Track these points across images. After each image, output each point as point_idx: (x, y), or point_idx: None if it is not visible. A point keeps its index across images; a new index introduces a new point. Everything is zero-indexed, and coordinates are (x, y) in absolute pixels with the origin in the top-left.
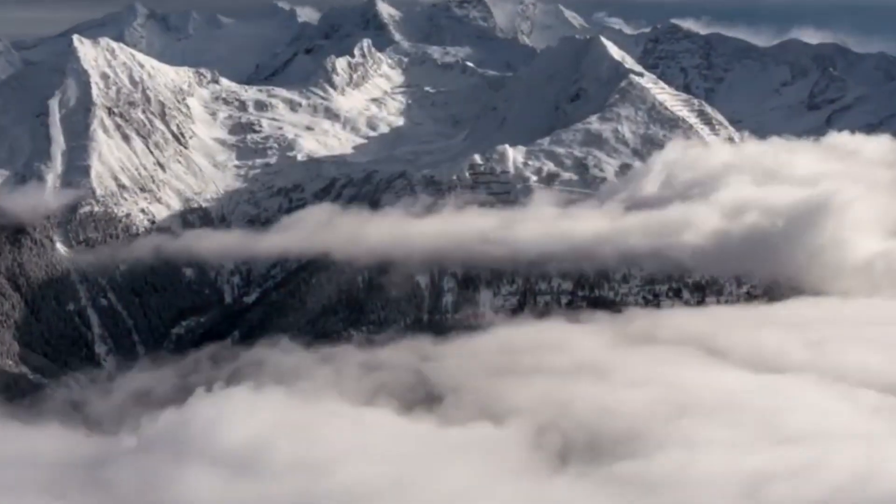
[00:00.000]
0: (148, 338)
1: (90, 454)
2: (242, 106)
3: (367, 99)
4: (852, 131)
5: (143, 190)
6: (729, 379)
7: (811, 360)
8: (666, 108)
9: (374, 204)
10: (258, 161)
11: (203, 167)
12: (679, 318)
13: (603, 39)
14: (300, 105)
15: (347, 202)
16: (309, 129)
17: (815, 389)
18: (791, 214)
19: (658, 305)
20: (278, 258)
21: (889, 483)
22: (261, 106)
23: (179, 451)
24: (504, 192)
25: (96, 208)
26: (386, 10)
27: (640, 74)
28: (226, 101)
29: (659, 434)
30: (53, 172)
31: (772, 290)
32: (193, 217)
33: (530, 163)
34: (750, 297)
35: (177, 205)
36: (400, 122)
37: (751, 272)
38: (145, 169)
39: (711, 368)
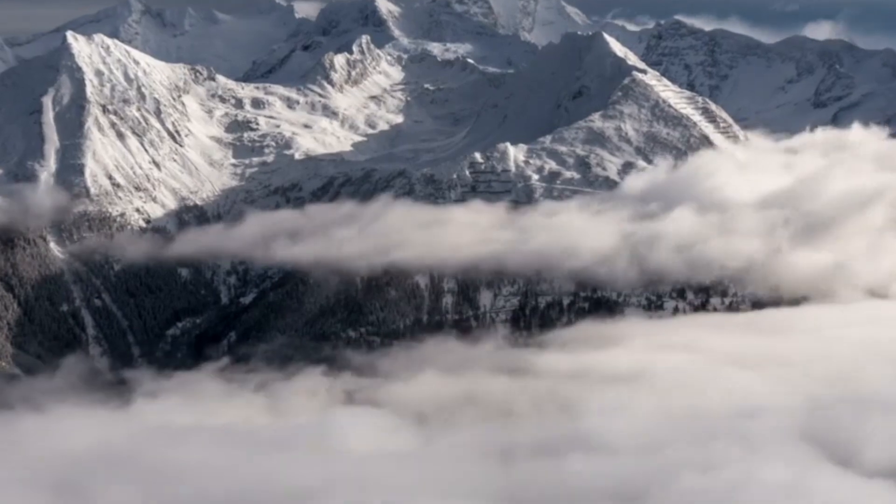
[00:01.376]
0: (143, 339)
1: None
2: (239, 103)
3: (365, 96)
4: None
5: (137, 189)
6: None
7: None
8: (670, 106)
9: (373, 203)
10: (255, 159)
11: (199, 166)
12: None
13: (605, 36)
14: (298, 102)
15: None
16: (307, 126)
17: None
18: (794, 219)
19: (661, 307)
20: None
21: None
22: (257, 103)
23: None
24: (505, 190)
25: (90, 207)
26: (385, 6)
27: (644, 71)
28: (222, 99)
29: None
30: (47, 171)
31: (776, 295)
32: (189, 216)
33: (532, 161)
34: (755, 299)
35: (172, 204)
36: (399, 119)
37: (754, 277)
38: (140, 167)
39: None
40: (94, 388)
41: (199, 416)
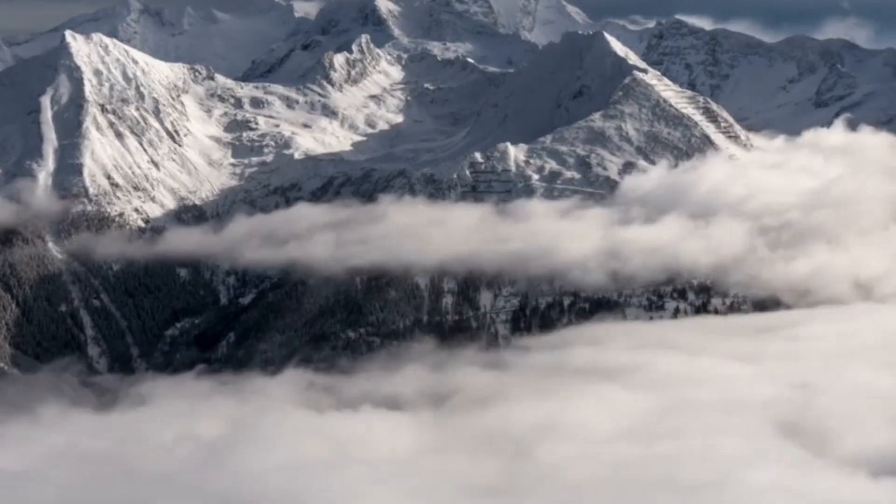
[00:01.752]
0: (142, 339)
1: None
2: (238, 103)
3: (365, 96)
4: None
5: (136, 189)
6: None
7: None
8: (670, 106)
9: (373, 202)
10: (254, 159)
11: (198, 165)
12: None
13: (606, 35)
14: (297, 102)
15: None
16: (306, 126)
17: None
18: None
19: (662, 307)
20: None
21: None
22: (257, 103)
23: None
24: (505, 190)
25: (89, 207)
26: (385, 5)
27: (645, 71)
28: (221, 98)
29: None
30: (45, 171)
31: (777, 296)
32: (188, 216)
33: (532, 161)
34: (756, 300)
35: (171, 204)
36: (399, 119)
37: (754, 279)
38: (139, 167)
39: None
40: (89, 390)
41: (188, 420)
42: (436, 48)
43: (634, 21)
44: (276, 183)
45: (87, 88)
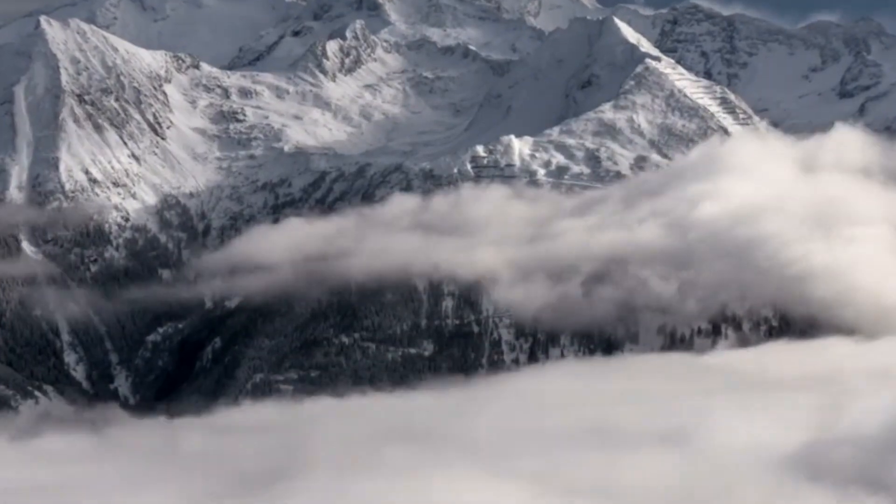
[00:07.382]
0: (122, 346)
1: None
2: (225, 93)
3: (360, 85)
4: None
5: (116, 184)
6: None
7: None
8: (685, 96)
9: (369, 199)
10: (241, 153)
11: (182, 160)
12: None
13: (617, 21)
14: (287, 92)
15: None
16: (297, 118)
17: None
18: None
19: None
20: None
21: None
22: (244, 93)
23: None
24: (509, 186)
25: (66, 204)
26: None
27: (658, 59)
28: (206, 88)
29: None
30: (19, 165)
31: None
32: (171, 214)
33: (538, 155)
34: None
35: (153, 200)
36: (396, 110)
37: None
38: (119, 162)
39: None
40: None
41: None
42: (435, 35)
43: (647, 5)
44: (265, 178)
45: (64, 78)
